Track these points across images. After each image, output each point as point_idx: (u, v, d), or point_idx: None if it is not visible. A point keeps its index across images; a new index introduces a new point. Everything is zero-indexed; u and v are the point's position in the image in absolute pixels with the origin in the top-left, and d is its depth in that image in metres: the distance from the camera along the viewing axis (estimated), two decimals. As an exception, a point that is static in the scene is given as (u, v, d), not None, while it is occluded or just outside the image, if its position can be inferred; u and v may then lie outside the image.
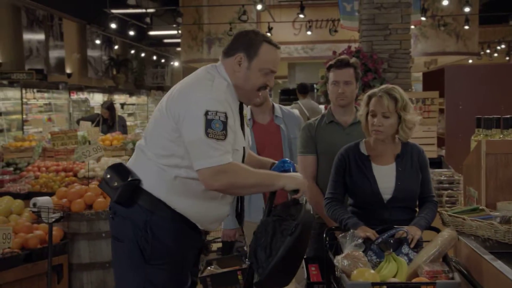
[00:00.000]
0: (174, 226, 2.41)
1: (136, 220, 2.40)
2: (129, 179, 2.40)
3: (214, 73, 2.45)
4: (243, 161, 2.56)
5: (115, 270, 2.57)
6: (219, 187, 2.30)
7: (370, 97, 2.81)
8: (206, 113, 2.26)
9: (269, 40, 2.48)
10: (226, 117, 2.29)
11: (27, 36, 13.64)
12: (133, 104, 17.82)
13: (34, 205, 3.84)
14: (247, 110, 3.70)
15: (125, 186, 2.39)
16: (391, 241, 2.53)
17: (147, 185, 2.41)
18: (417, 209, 2.86)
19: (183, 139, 2.33)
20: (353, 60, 3.29)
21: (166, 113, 2.38)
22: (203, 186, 2.33)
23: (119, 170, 2.47)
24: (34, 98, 11.87)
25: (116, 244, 2.50)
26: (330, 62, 3.31)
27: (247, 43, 2.45)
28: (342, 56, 3.35)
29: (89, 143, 5.42)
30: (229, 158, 2.29)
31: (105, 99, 14.42)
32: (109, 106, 8.88)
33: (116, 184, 2.41)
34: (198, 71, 2.50)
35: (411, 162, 2.83)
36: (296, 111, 3.89)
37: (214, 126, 2.26)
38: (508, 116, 2.98)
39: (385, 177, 2.79)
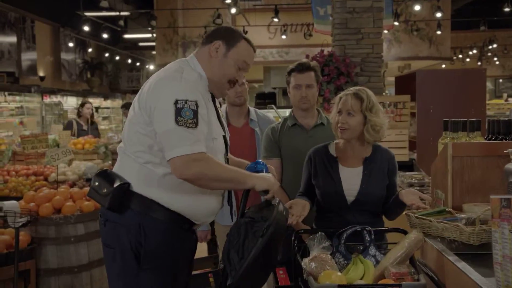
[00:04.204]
0: (168, 228, 2.37)
1: (129, 224, 2.35)
2: (118, 184, 2.35)
3: (183, 66, 2.44)
4: (227, 151, 2.55)
5: (108, 276, 2.53)
6: (191, 176, 2.25)
7: (340, 98, 2.84)
8: (176, 102, 2.24)
9: (248, 39, 2.52)
10: (197, 106, 2.27)
11: (-1, 39, 13.49)
12: (107, 108, 17.65)
13: (0, 209, 3.77)
14: (222, 112, 3.71)
15: (115, 191, 2.34)
16: (360, 248, 2.54)
17: (136, 187, 2.37)
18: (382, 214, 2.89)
19: (156, 132, 2.30)
20: (313, 63, 3.32)
21: (139, 109, 2.36)
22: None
23: (106, 176, 2.42)
24: (5, 101, 11.69)
25: (107, 251, 2.46)
26: (291, 66, 3.33)
27: (227, 34, 2.48)
28: (303, 60, 3.37)
29: (58, 147, 5.35)
30: (202, 147, 2.26)
31: (79, 102, 14.25)
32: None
33: (105, 190, 2.36)
34: (167, 66, 2.48)
35: (379, 167, 2.84)
36: (271, 116, 3.89)
37: (184, 114, 2.23)
38: (474, 119, 3.01)
39: (351, 179, 2.80)
